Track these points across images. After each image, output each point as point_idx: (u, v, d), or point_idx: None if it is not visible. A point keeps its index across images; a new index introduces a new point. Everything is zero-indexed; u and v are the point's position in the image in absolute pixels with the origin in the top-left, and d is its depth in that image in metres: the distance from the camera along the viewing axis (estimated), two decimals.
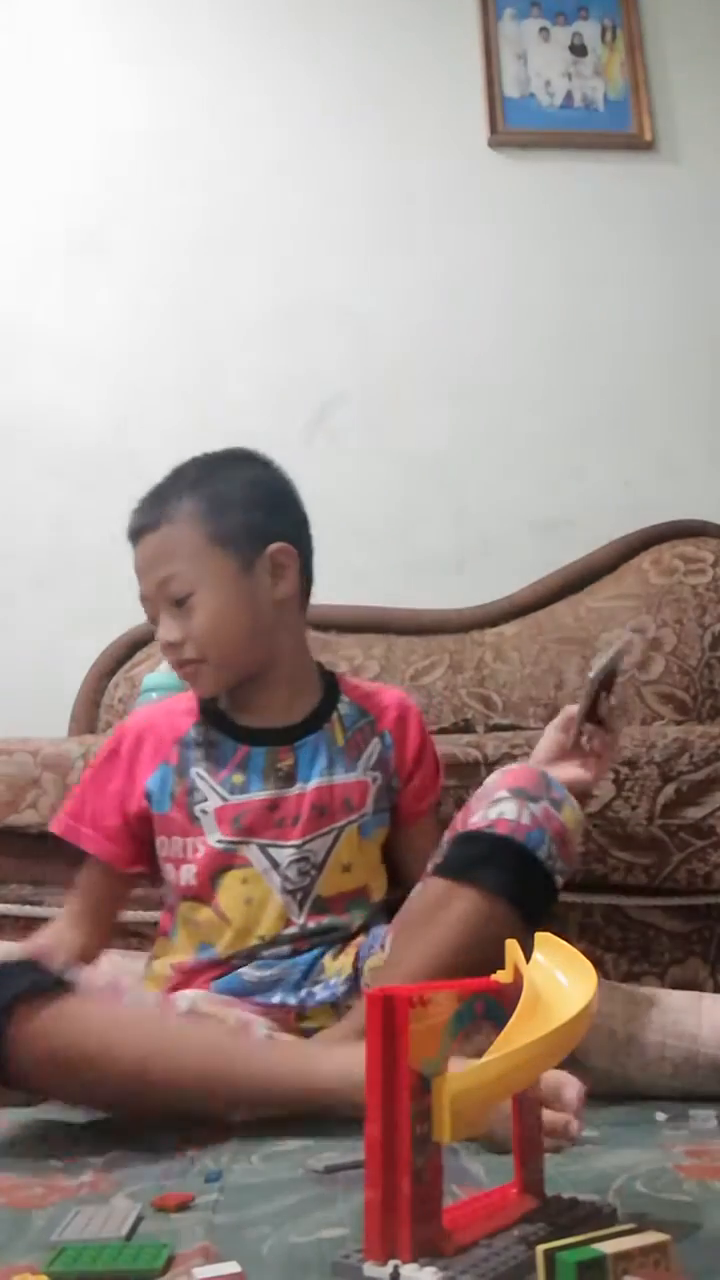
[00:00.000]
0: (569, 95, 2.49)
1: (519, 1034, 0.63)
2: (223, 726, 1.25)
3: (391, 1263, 0.57)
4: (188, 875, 1.20)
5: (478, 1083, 0.60)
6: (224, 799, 1.21)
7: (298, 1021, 1.14)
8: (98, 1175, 0.83)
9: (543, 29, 2.51)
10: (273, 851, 1.19)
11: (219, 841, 1.19)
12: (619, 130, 2.47)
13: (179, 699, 1.33)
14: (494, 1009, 0.67)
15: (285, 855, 1.19)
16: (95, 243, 2.36)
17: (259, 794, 1.21)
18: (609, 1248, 0.54)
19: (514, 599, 2.12)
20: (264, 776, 1.21)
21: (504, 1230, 0.63)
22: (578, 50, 2.51)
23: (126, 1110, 0.99)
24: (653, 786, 1.30)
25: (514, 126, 2.46)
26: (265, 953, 1.17)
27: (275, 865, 1.19)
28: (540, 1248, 0.55)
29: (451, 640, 2.04)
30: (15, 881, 1.42)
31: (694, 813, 1.29)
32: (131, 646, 2.13)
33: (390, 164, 2.43)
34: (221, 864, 1.19)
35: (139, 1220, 0.71)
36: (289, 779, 1.22)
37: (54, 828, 1.28)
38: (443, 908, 1.03)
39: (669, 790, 1.30)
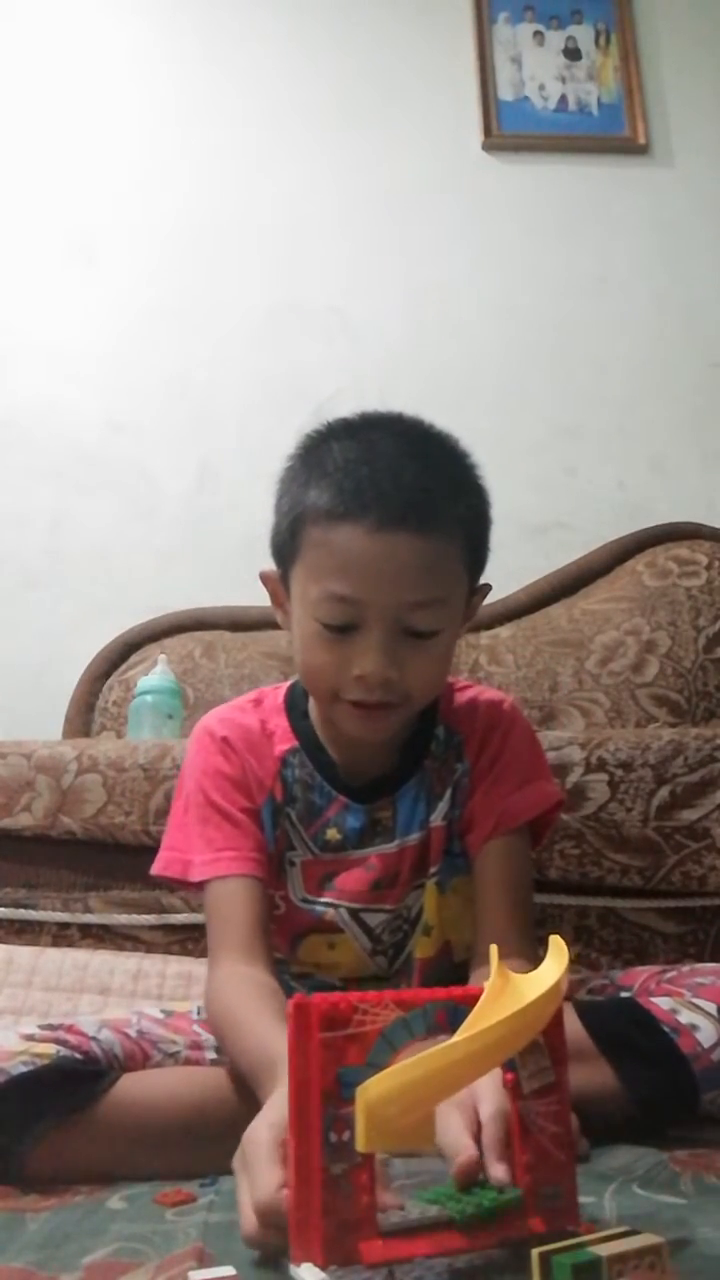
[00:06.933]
0: (563, 99, 2.50)
1: (485, 1018, 0.59)
2: (318, 762, 1.04)
3: (305, 1265, 0.56)
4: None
5: (394, 1088, 0.56)
6: (314, 854, 1.03)
7: None
8: (93, 1183, 0.82)
9: (537, 33, 2.52)
10: (365, 916, 1.02)
11: (303, 900, 1.03)
12: (613, 134, 2.49)
13: (263, 705, 1.09)
14: (461, 1018, 0.61)
15: (379, 919, 1.03)
16: (89, 246, 2.37)
17: (356, 853, 1.03)
18: (604, 1250, 0.54)
19: (509, 601, 2.12)
20: (361, 835, 1.03)
21: (452, 1253, 0.60)
22: (572, 54, 2.52)
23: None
24: (647, 789, 1.29)
25: (508, 130, 2.47)
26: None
27: (368, 930, 1.02)
28: (535, 1250, 0.55)
29: None
30: (9, 885, 1.42)
31: (688, 815, 1.29)
32: (126, 649, 2.12)
33: (384, 166, 2.44)
34: (305, 926, 1.03)
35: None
36: (388, 834, 1.03)
37: (167, 870, 1.02)
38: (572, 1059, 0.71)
39: (664, 793, 1.30)
